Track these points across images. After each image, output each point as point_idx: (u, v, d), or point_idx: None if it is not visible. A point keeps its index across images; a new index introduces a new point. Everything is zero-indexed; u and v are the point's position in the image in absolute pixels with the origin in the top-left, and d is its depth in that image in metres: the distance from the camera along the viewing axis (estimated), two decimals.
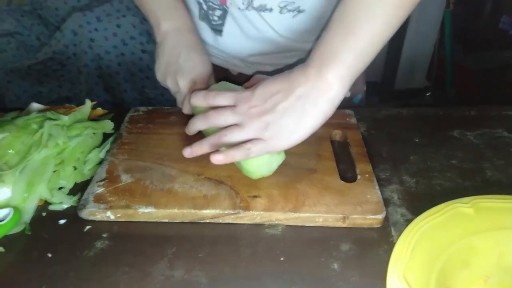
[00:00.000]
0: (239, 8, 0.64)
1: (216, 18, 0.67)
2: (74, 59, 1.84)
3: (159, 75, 0.62)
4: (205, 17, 0.68)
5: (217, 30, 0.68)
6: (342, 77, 0.44)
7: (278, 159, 0.50)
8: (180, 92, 0.60)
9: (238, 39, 0.69)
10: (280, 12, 0.64)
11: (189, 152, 0.50)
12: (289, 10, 0.64)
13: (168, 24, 0.62)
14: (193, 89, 0.56)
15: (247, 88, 0.50)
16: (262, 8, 0.64)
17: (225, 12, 0.66)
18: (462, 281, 0.39)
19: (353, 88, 0.78)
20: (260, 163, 0.48)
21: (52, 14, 1.96)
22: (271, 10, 0.64)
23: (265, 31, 0.66)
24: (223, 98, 0.49)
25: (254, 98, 0.46)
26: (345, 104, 0.78)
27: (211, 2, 0.66)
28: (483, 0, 2.36)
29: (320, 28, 0.68)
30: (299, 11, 0.64)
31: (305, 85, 0.45)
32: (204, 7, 0.66)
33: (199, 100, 0.51)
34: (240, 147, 0.46)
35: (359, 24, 0.44)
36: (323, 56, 0.45)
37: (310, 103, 0.44)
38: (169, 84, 0.61)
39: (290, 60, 0.73)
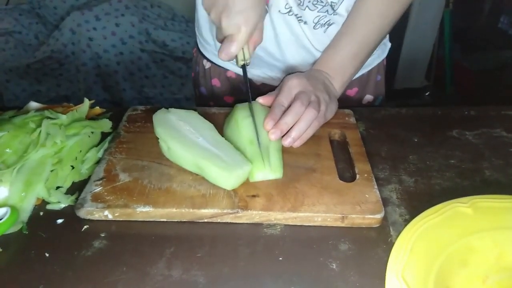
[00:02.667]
0: (279, 11, 0.65)
1: None
2: (72, 58, 1.84)
3: (206, 2, 0.54)
4: None
5: None
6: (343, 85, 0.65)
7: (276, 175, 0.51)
8: (221, 32, 0.55)
9: (272, 42, 0.70)
10: (314, 27, 0.67)
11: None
12: (322, 25, 0.66)
13: None
14: (237, 37, 0.53)
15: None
16: (298, 18, 0.66)
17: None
18: (461, 280, 0.39)
19: (376, 92, 0.80)
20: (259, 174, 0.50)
21: (51, 13, 1.95)
22: (305, 22, 0.66)
23: (302, 37, 0.68)
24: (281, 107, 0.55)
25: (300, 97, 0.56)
26: (367, 105, 0.80)
27: None
28: (482, 0, 2.36)
29: None
30: (329, 25, 0.67)
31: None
32: None
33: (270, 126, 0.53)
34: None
35: (366, 47, 0.64)
36: (335, 71, 0.64)
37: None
38: (212, 17, 0.54)
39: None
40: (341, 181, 0.51)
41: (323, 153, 0.56)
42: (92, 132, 0.59)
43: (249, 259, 0.43)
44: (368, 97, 0.81)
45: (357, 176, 0.52)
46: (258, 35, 0.56)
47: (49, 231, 0.46)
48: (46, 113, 0.58)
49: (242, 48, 0.55)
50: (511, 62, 2.22)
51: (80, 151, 0.56)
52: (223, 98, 0.82)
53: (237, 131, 0.55)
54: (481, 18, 2.38)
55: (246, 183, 0.50)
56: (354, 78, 0.76)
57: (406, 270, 0.38)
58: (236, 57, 0.56)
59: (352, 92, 0.79)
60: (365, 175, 0.52)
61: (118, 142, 0.58)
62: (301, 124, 0.53)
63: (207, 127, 0.55)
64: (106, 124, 0.62)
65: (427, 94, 2.36)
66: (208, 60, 0.81)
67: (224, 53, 0.54)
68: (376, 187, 0.50)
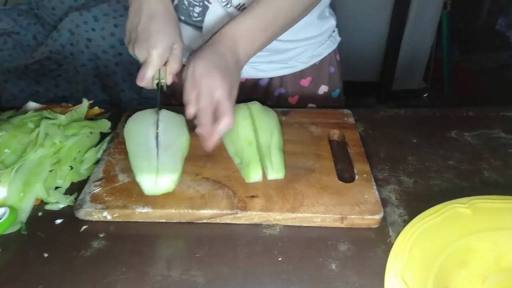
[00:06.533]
0: (221, 3, 0.65)
1: (195, 15, 0.67)
2: (71, 59, 1.83)
3: (125, 41, 0.61)
4: (186, 13, 0.68)
5: (197, 26, 0.69)
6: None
7: (278, 176, 0.51)
8: (139, 61, 0.58)
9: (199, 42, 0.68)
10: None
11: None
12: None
13: None
14: (149, 60, 0.56)
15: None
16: (240, 7, 0.64)
17: (205, 8, 0.66)
18: (460, 281, 0.39)
19: (331, 83, 0.80)
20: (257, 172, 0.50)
21: (49, 14, 1.95)
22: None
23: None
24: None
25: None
26: (324, 97, 0.80)
27: None
28: (480, 1, 2.37)
29: (296, 30, 0.69)
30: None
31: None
32: (185, 3, 0.67)
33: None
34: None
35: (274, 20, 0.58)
36: (243, 38, 0.56)
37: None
38: (130, 51, 0.59)
39: (267, 58, 0.74)
40: (340, 181, 0.51)
41: (322, 153, 0.56)
42: (91, 133, 0.59)
43: (248, 260, 0.43)
44: (324, 88, 0.81)
45: (356, 176, 0.52)
46: (174, 61, 0.58)
47: (48, 232, 0.46)
48: (45, 113, 0.58)
49: (159, 70, 0.57)
50: (509, 63, 2.23)
51: (79, 151, 0.55)
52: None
53: (236, 132, 0.55)
54: (479, 20, 2.39)
55: (245, 183, 0.50)
56: (307, 67, 0.77)
57: (406, 270, 0.38)
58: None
59: (306, 81, 0.80)
60: (364, 175, 0.52)
61: (117, 142, 0.58)
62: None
63: (176, 133, 0.56)
64: (105, 125, 0.62)
65: (425, 95, 2.37)
66: None
67: (140, 77, 0.56)
68: (375, 187, 0.50)
